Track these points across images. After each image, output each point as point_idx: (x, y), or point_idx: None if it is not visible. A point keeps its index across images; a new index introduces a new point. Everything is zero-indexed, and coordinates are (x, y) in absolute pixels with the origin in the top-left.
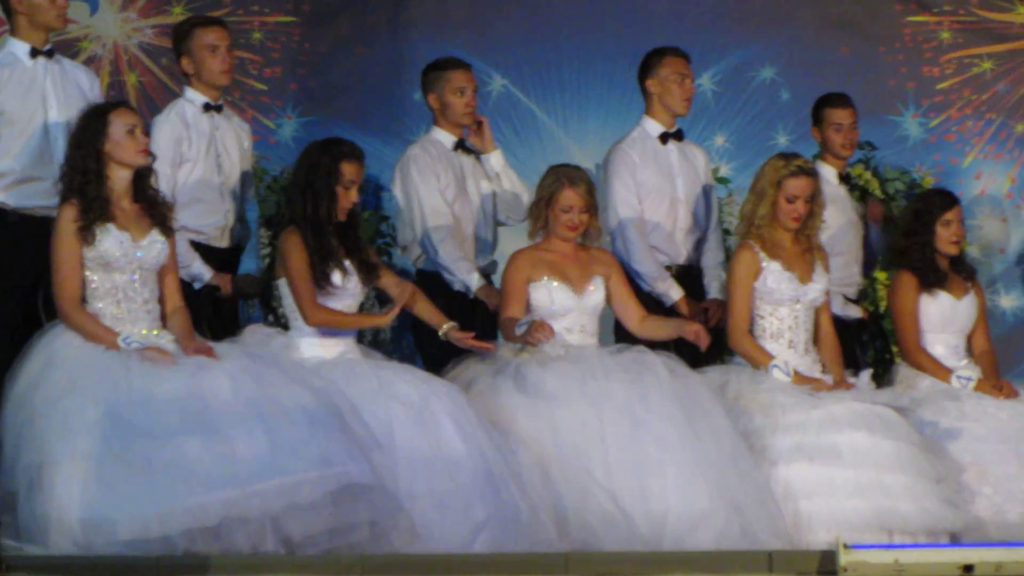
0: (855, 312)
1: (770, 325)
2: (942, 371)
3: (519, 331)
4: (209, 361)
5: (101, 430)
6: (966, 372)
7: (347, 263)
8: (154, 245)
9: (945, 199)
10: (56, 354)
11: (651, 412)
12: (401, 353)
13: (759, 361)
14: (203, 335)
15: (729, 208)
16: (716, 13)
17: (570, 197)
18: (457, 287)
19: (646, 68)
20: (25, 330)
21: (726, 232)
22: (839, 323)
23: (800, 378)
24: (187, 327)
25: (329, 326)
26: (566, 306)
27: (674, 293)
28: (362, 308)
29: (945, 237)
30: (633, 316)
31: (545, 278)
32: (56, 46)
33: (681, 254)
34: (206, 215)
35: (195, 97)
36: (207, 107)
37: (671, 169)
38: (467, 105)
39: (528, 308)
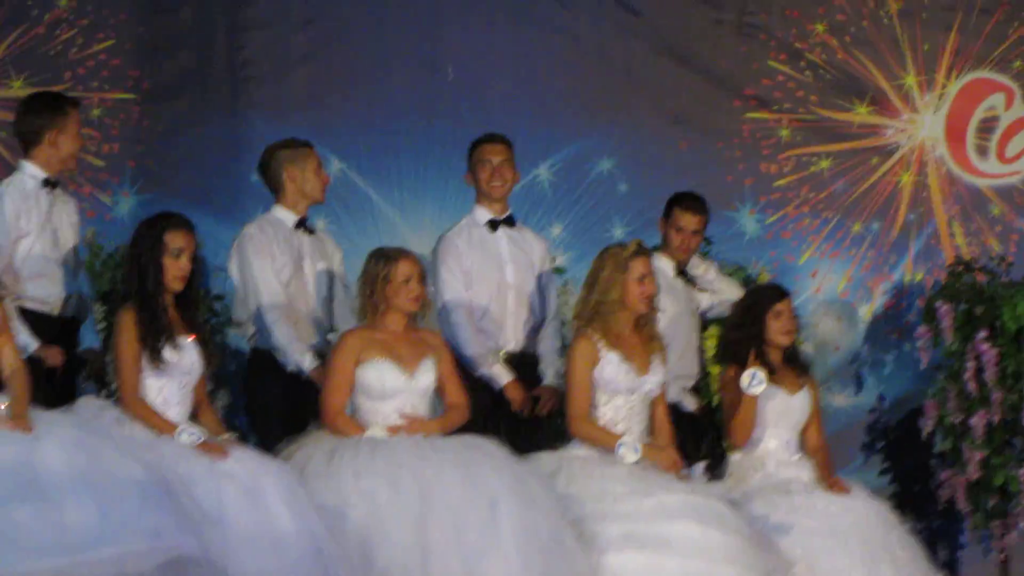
0: (691, 403)
1: (604, 415)
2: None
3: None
4: (41, 430)
5: None
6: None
7: (183, 339)
8: None
9: (775, 291)
10: None
11: (479, 498)
12: (234, 432)
13: (606, 442)
14: (36, 404)
15: (563, 297)
16: (555, 103)
17: (407, 267)
18: (291, 368)
19: (468, 158)
20: None
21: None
22: (674, 414)
23: (651, 450)
24: (23, 391)
25: (137, 418)
26: (396, 387)
27: (502, 378)
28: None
29: (776, 328)
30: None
31: (376, 358)
32: None
33: (511, 340)
34: (49, 287)
35: (35, 172)
36: (46, 182)
37: (500, 256)
38: (324, 182)
39: (353, 390)
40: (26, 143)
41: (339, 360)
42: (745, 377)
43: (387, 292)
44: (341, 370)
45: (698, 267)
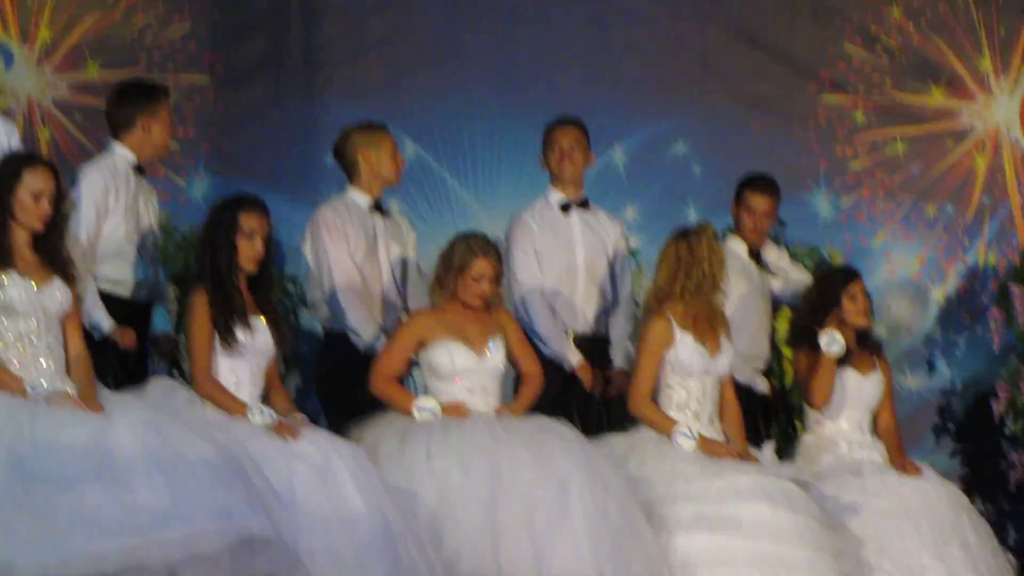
0: (762, 385)
1: (677, 396)
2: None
3: (421, 415)
4: (113, 411)
5: (3, 475)
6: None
7: (256, 320)
8: (56, 292)
9: (847, 273)
10: None
11: (550, 479)
12: (306, 413)
13: (663, 427)
14: (108, 386)
15: (637, 280)
16: (630, 87)
17: (482, 267)
18: (363, 349)
19: (542, 142)
20: None
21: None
22: (745, 395)
23: (706, 442)
24: (88, 376)
25: (209, 399)
26: (466, 367)
27: (573, 358)
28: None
29: (853, 310)
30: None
31: (445, 339)
32: None
33: (581, 322)
34: (125, 270)
35: (127, 155)
36: (135, 168)
37: (572, 238)
38: (399, 165)
39: (422, 369)
40: (117, 128)
41: (402, 333)
42: (823, 336)
43: (457, 282)
44: (401, 341)
45: (770, 252)
